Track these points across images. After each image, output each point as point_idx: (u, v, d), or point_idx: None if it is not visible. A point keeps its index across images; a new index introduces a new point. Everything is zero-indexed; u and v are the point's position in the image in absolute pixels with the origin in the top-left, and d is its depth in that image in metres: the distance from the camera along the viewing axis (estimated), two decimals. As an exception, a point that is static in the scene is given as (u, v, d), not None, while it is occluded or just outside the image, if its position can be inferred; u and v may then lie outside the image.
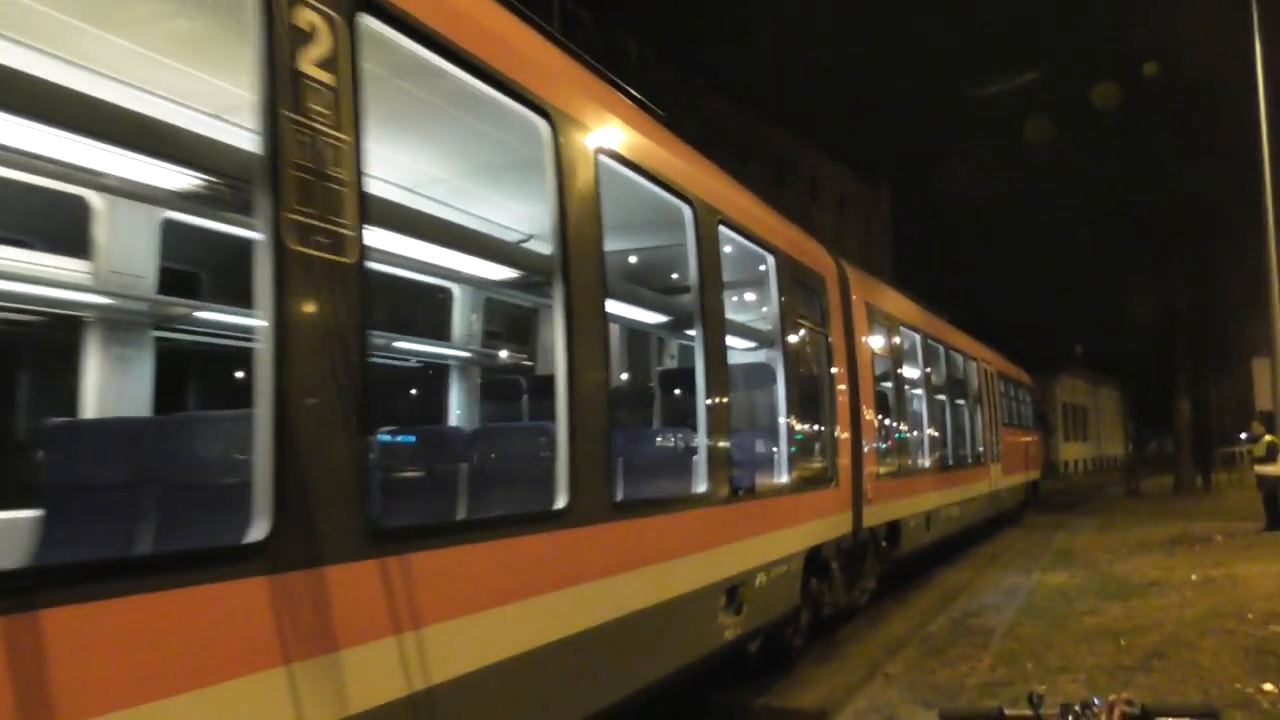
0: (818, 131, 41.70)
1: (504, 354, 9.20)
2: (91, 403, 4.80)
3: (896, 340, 12.73)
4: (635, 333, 10.25)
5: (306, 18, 3.07)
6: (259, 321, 2.88)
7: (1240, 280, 23.81)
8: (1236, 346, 28.69)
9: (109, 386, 4.85)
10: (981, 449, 18.29)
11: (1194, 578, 11.91)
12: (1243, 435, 29.20)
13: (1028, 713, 2.27)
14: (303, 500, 2.92)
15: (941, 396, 15.69)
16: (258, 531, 2.80)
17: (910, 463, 13.10)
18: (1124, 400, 39.94)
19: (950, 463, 15.63)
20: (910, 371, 13.94)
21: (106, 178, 4.05)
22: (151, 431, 3.98)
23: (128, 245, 5.26)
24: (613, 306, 6.01)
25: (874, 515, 10.51)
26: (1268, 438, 17.50)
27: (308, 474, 2.94)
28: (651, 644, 5.43)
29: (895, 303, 13.33)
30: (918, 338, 14.13)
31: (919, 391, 14.22)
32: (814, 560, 8.62)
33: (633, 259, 8.77)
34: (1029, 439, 25.85)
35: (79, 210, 4.87)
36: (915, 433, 13.75)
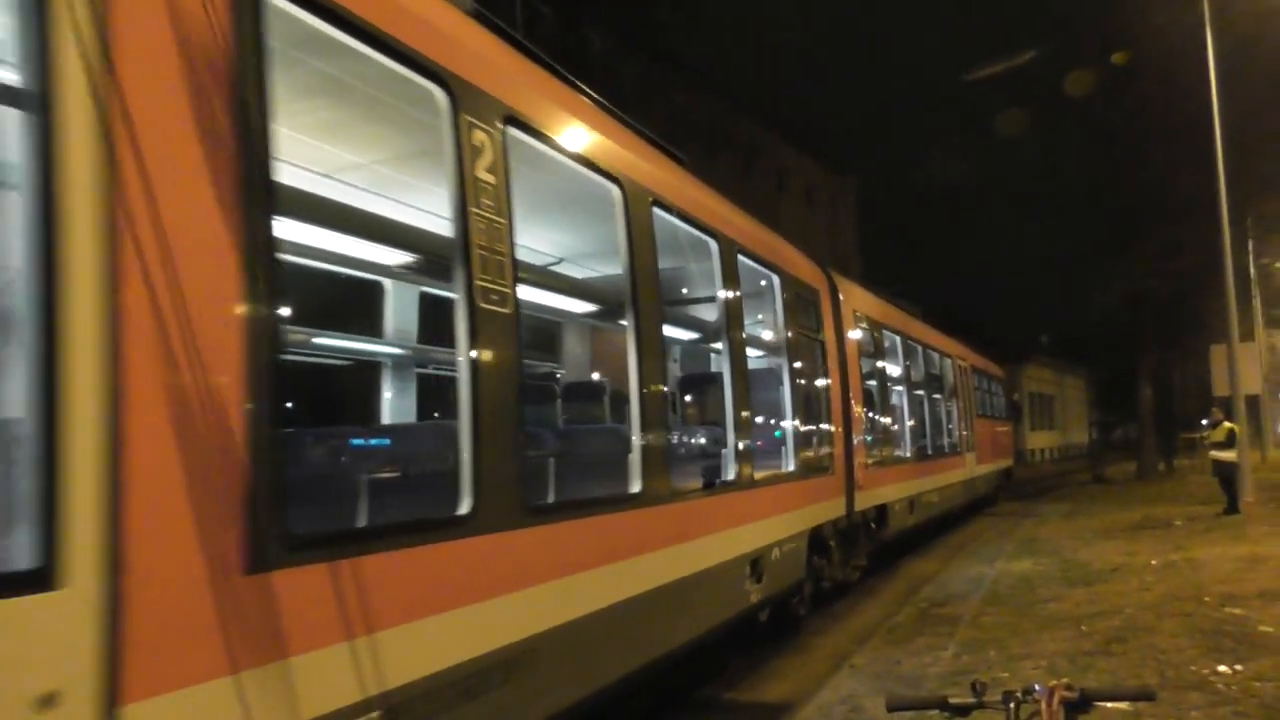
0: (785, 122, 41.85)
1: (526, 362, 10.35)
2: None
3: (880, 342, 14.03)
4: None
5: (479, 136, 4.23)
6: (461, 359, 4.05)
7: (1204, 265, 23.82)
8: (1199, 331, 28.73)
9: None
10: (957, 440, 19.65)
11: (1154, 562, 12.20)
12: (1204, 421, 30.16)
13: (971, 700, 2.34)
14: (489, 485, 4.08)
15: (921, 391, 17.00)
16: (464, 507, 3.96)
17: (895, 453, 14.36)
18: (1089, 388, 40.43)
19: (930, 452, 16.96)
20: (893, 369, 15.22)
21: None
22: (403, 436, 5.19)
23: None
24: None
25: (864, 500, 11.77)
26: (1227, 424, 18.29)
27: (492, 467, 4.11)
28: (698, 603, 6.61)
29: (878, 308, 14.63)
30: (898, 339, 15.44)
31: (901, 388, 15.53)
32: (815, 539, 9.84)
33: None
34: (1002, 429, 27.23)
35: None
36: (898, 425, 15.00)
